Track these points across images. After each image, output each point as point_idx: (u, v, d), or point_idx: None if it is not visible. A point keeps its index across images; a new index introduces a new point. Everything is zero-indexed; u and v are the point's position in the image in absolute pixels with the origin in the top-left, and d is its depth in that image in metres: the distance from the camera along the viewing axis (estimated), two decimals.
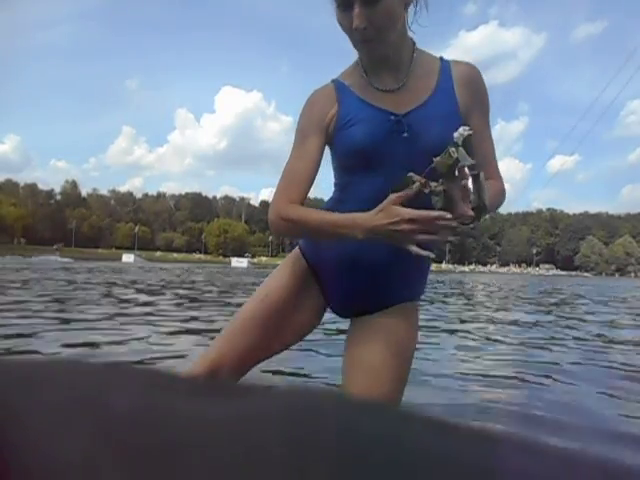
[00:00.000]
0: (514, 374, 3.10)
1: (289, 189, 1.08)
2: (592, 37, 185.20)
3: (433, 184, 0.92)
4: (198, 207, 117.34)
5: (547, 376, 3.01)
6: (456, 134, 0.92)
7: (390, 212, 0.92)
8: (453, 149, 0.90)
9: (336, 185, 1.17)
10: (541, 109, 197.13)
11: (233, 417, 0.17)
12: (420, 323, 1.22)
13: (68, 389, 0.18)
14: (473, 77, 1.09)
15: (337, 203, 1.14)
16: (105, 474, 0.15)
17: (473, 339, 4.49)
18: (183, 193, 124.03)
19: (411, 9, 1.06)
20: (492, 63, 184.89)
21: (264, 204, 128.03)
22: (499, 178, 1.16)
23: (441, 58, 1.11)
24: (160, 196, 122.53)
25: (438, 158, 0.91)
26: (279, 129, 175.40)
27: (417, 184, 0.92)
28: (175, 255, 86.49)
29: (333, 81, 1.13)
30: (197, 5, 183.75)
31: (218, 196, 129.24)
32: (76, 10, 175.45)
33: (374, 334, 1.12)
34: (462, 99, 1.07)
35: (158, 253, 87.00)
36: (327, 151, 1.15)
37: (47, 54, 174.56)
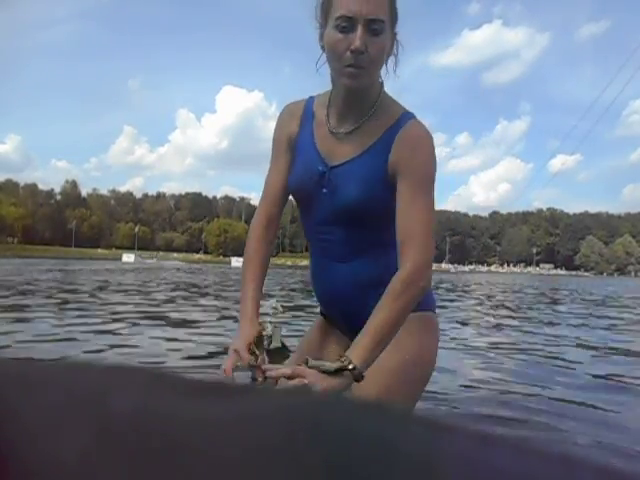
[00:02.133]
0: None
1: (263, 205, 1.19)
2: (596, 36, 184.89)
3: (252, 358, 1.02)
4: (198, 207, 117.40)
5: None
6: (269, 306, 1.13)
7: (233, 342, 1.07)
8: (267, 325, 1.07)
9: None
10: (543, 109, 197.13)
11: (234, 417, 0.17)
12: None
13: (68, 390, 0.18)
14: (412, 142, 1.06)
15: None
16: (106, 475, 0.15)
17: None
18: (183, 193, 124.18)
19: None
20: (495, 62, 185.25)
21: None
22: (412, 256, 1.00)
23: (404, 112, 1.10)
24: (160, 196, 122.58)
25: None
26: None
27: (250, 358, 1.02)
28: (175, 255, 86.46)
29: (306, 101, 1.18)
30: (198, 4, 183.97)
31: (218, 196, 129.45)
32: (77, 10, 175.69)
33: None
34: (394, 161, 1.05)
35: (158, 253, 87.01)
36: None
37: (48, 54, 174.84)
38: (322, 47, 1.06)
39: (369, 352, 0.93)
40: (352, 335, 1.05)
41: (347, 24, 0.97)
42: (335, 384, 0.91)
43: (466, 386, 2.86)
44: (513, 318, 7.03)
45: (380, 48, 1.00)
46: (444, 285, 17.68)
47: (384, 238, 1.09)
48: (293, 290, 12.13)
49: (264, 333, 1.06)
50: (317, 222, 1.14)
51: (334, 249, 1.14)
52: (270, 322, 1.09)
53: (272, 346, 1.06)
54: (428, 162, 1.07)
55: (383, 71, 1.08)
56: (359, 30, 0.97)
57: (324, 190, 1.09)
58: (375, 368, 0.98)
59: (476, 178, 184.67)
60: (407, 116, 1.09)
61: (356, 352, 0.93)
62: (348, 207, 1.05)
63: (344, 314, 1.20)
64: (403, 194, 1.03)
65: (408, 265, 0.99)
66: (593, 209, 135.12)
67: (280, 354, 1.07)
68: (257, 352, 1.02)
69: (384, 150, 1.06)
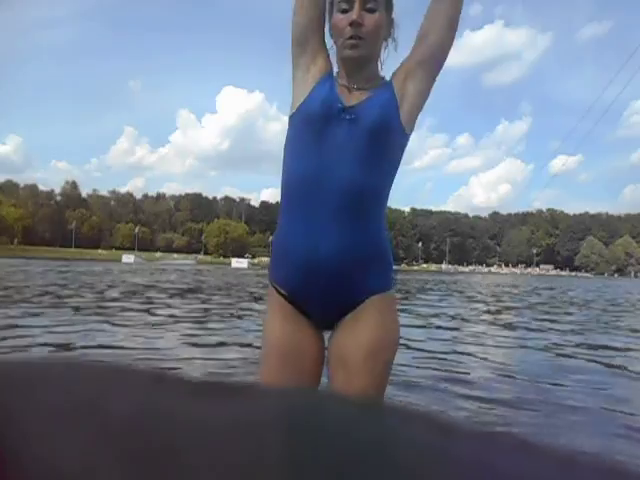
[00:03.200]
0: None
1: None
2: (597, 37, 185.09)
3: None
4: (198, 208, 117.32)
5: None
6: None
7: None
8: None
9: (282, 179, 1.23)
10: (545, 109, 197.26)
11: (233, 417, 0.17)
12: None
13: (69, 389, 0.18)
14: (402, 67, 1.24)
15: (282, 191, 1.22)
16: (106, 475, 0.15)
17: None
18: (183, 194, 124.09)
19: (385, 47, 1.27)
20: (496, 63, 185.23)
21: (264, 205, 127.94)
22: None
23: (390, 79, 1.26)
24: (160, 197, 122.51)
25: None
26: (281, 129, 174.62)
27: None
28: (175, 256, 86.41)
29: (330, 67, 1.27)
30: (199, 5, 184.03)
31: (219, 197, 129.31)
32: (77, 10, 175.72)
33: (351, 332, 1.17)
34: (397, 88, 1.21)
35: (158, 254, 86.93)
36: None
37: (48, 54, 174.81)
38: (330, 34, 1.24)
39: None
40: (322, 324, 1.21)
41: (346, 5, 1.16)
42: None
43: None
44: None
45: (375, 22, 1.16)
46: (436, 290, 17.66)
47: (378, 188, 1.18)
48: None
49: None
50: (329, 153, 1.14)
51: (339, 186, 1.13)
52: None
53: None
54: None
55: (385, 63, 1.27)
56: (356, 6, 1.15)
57: (347, 117, 1.16)
58: (356, 343, 1.14)
59: (476, 179, 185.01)
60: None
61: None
62: (373, 127, 1.14)
63: (324, 292, 1.17)
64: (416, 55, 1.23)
65: None
66: (593, 210, 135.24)
67: None
68: None
69: (389, 90, 1.21)
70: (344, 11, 1.17)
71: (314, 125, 1.17)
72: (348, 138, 1.14)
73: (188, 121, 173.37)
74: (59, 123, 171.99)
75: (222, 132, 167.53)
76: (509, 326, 7.04)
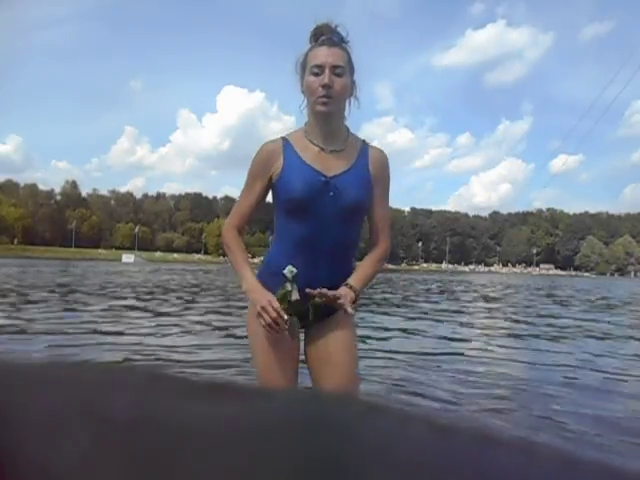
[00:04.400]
0: None
1: (235, 218, 1.57)
2: (599, 37, 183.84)
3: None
4: (198, 207, 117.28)
5: None
6: (286, 271, 1.42)
7: (258, 299, 1.42)
8: (287, 284, 1.42)
9: (276, 229, 1.55)
10: (546, 109, 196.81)
11: (233, 418, 0.17)
12: None
13: (68, 390, 0.18)
14: (382, 160, 1.54)
15: (277, 242, 1.54)
16: (105, 475, 0.15)
17: None
18: (183, 193, 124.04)
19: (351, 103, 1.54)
20: (498, 63, 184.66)
21: (264, 204, 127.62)
22: (384, 240, 1.58)
23: (363, 140, 1.55)
24: (160, 196, 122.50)
25: (279, 290, 1.42)
26: (282, 129, 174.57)
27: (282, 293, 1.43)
28: (175, 255, 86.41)
29: (282, 138, 1.51)
30: (200, 4, 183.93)
31: (219, 196, 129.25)
32: (78, 10, 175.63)
33: (331, 335, 1.54)
34: (373, 173, 1.51)
35: (158, 253, 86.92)
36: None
37: (48, 54, 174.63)
38: (302, 92, 1.49)
39: (361, 284, 1.50)
40: (300, 325, 1.56)
41: (318, 70, 1.42)
42: (352, 295, 1.45)
43: None
44: None
45: (342, 85, 1.43)
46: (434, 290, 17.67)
47: (355, 240, 1.55)
48: None
49: (284, 290, 1.42)
50: (320, 223, 1.45)
51: (329, 247, 1.47)
52: (288, 281, 1.43)
53: (293, 298, 1.42)
54: (389, 176, 1.57)
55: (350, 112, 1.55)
56: (326, 72, 1.41)
57: (331, 194, 1.44)
58: (335, 341, 1.53)
59: (477, 178, 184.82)
60: (365, 142, 1.55)
61: (354, 281, 1.49)
62: (351, 205, 1.46)
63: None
64: (377, 196, 1.53)
65: (383, 246, 1.58)
66: (593, 209, 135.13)
67: (298, 303, 1.44)
68: (282, 305, 1.41)
69: (364, 164, 1.50)
70: (316, 74, 1.42)
71: (303, 201, 1.44)
72: (333, 210, 1.45)
73: (188, 121, 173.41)
74: (60, 123, 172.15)
75: (222, 132, 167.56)
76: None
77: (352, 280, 1.49)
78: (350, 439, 0.16)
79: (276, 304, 1.39)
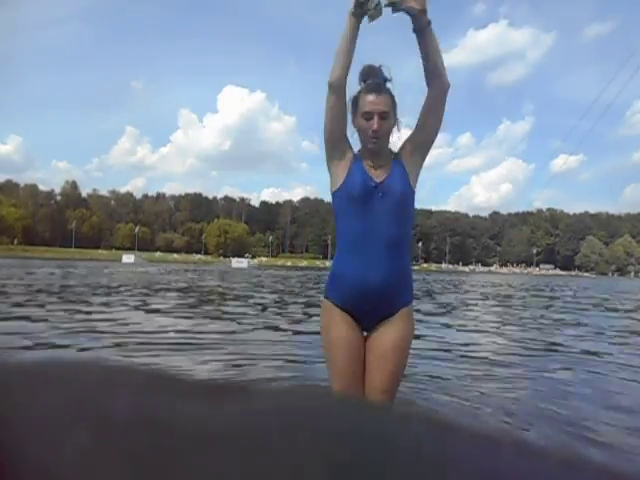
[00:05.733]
0: None
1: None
2: (601, 37, 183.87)
3: None
4: (198, 207, 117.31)
5: None
6: None
7: None
8: None
9: (338, 235, 1.81)
10: (547, 109, 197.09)
11: (233, 418, 0.17)
12: None
13: (68, 389, 0.18)
14: (403, 145, 1.84)
15: (339, 245, 1.81)
16: (105, 475, 0.15)
17: None
18: (183, 194, 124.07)
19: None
20: (500, 63, 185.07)
21: (264, 204, 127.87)
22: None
23: (393, 153, 1.85)
24: (160, 197, 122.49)
25: None
26: (282, 129, 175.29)
27: None
28: (175, 256, 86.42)
29: (353, 152, 1.84)
30: (201, 4, 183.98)
31: (219, 196, 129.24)
32: (79, 10, 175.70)
33: (386, 333, 1.77)
34: (404, 163, 1.82)
35: (158, 254, 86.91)
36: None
37: (49, 54, 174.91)
38: (354, 126, 1.80)
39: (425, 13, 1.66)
40: (365, 327, 1.81)
41: (369, 116, 1.73)
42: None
43: None
44: None
45: (387, 127, 1.75)
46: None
47: (407, 235, 1.79)
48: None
49: None
50: (372, 221, 1.72)
51: (380, 242, 1.72)
52: None
53: None
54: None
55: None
56: (375, 118, 1.72)
57: (380, 194, 1.74)
58: (387, 341, 1.76)
59: (478, 178, 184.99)
60: (392, 152, 1.86)
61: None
62: (397, 200, 1.74)
63: (372, 308, 1.76)
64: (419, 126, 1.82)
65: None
66: (593, 209, 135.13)
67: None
68: None
69: (400, 165, 1.81)
70: (367, 119, 1.73)
71: (358, 199, 1.75)
72: (383, 207, 1.74)
73: (189, 121, 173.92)
74: (60, 123, 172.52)
75: (223, 132, 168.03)
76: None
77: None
78: (350, 439, 0.16)
79: None
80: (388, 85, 1.79)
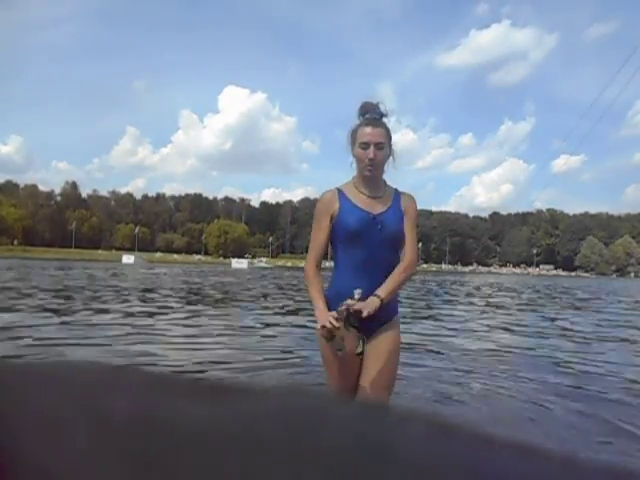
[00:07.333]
0: None
1: (314, 254, 2.01)
2: (604, 37, 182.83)
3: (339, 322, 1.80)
4: (198, 208, 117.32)
5: None
6: (355, 294, 1.82)
7: (321, 319, 1.83)
8: (348, 300, 1.81)
9: (335, 258, 2.01)
10: (549, 110, 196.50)
11: (233, 418, 0.17)
12: None
13: (67, 390, 0.18)
14: (410, 201, 2.05)
15: (338, 268, 1.99)
16: (105, 475, 0.15)
17: None
18: (183, 194, 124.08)
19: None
20: (502, 63, 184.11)
21: (264, 205, 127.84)
22: (410, 252, 2.00)
23: (396, 189, 2.06)
24: (160, 197, 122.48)
25: (338, 308, 1.80)
26: (283, 130, 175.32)
27: (342, 309, 1.80)
28: (175, 256, 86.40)
29: (337, 189, 2.01)
30: (201, 4, 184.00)
31: (219, 197, 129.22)
32: (79, 10, 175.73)
33: (382, 339, 1.97)
34: (403, 210, 2.01)
35: (158, 254, 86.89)
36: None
37: (50, 54, 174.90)
38: (353, 155, 1.98)
39: (386, 294, 1.88)
40: (365, 333, 1.98)
41: (365, 146, 1.91)
42: (374, 304, 1.83)
43: None
44: None
45: (383, 156, 1.94)
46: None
47: (395, 261, 1.98)
48: None
49: (345, 306, 1.78)
50: (371, 249, 1.93)
51: (378, 266, 1.93)
52: (350, 298, 1.83)
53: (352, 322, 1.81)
54: (416, 210, 2.07)
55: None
56: (371, 148, 1.90)
57: (378, 227, 1.94)
58: (384, 344, 1.96)
59: (478, 179, 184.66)
60: (397, 190, 2.07)
61: (381, 292, 1.88)
62: (394, 233, 1.96)
63: (373, 319, 1.89)
64: (407, 226, 2.01)
65: (408, 256, 2.00)
66: (593, 210, 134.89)
67: (355, 317, 1.81)
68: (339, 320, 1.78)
69: (398, 204, 2.02)
70: (364, 148, 1.91)
71: (357, 233, 1.93)
72: (381, 238, 1.94)
73: (190, 121, 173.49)
74: (61, 123, 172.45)
75: (224, 132, 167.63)
76: None
77: (379, 290, 1.88)
78: (350, 439, 0.16)
79: (331, 315, 1.78)
80: (384, 120, 1.97)
